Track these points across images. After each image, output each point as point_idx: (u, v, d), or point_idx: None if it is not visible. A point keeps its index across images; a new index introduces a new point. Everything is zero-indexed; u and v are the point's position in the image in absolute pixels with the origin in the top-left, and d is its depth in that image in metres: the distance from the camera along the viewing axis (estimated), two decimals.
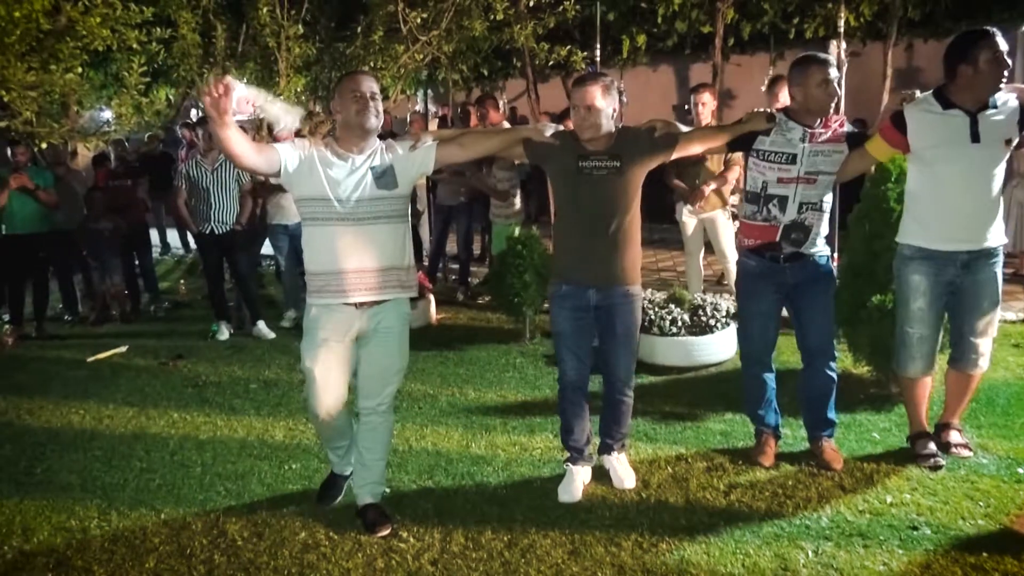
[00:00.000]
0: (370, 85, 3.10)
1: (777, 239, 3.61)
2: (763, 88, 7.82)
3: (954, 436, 3.87)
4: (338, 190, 3.09)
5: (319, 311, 3.19)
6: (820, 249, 3.68)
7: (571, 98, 3.41)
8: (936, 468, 3.68)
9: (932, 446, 3.78)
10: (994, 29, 3.44)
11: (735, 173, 5.99)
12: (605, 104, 3.32)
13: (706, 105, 6.15)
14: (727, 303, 5.50)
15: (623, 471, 3.70)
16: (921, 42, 11.59)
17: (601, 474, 3.74)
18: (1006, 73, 3.38)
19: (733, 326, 5.37)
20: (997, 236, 3.55)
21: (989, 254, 3.56)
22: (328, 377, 3.19)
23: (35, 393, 5.44)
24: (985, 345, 3.68)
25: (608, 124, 3.36)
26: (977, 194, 3.46)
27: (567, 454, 3.68)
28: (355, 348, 3.25)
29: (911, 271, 3.63)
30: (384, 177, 3.15)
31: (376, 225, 3.14)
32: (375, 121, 3.10)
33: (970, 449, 3.84)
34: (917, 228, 3.61)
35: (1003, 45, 3.37)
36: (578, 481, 3.60)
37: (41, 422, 4.91)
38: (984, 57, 3.35)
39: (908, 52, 11.75)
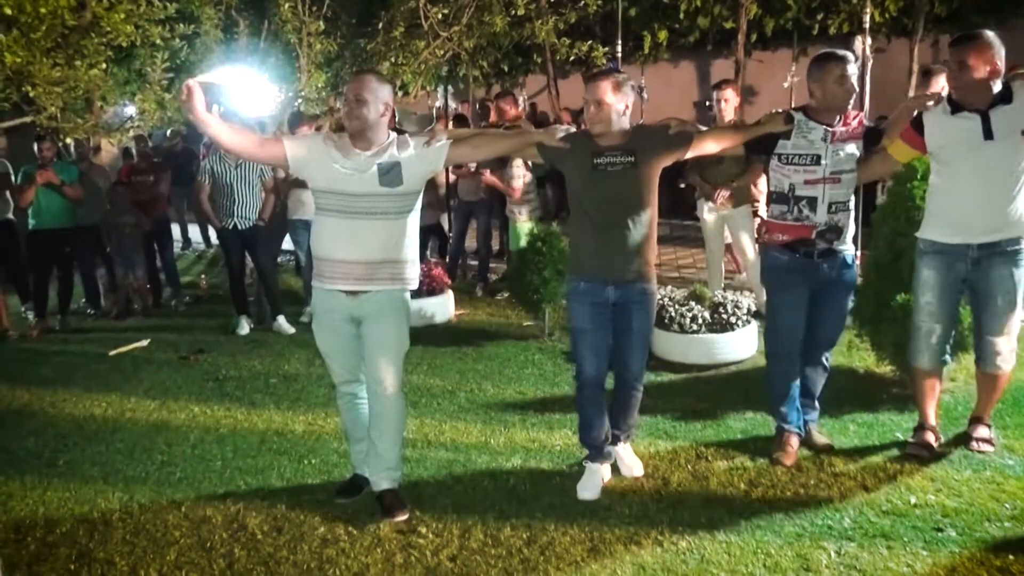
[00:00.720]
0: (358, 87, 3.17)
1: (812, 237, 3.62)
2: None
3: (980, 431, 3.84)
4: (340, 184, 3.20)
5: (317, 293, 3.41)
6: (848, 247, 3.70)
7: (584, 93, 3.41)
8: (920, 459, 3.71)
9: (926, 437, 3.79)
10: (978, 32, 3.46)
11: (758, 172, 5.93)
12: (615, 100, 3.31)
13: (728, 102, 6.10)
14: (748, 301, 5.46)
15: (631, 460, 3.75)
16: (947, 38, 11.41)
17: (612, 468, 3.73)
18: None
19: (754, 324, 5.33)
20: (1014, 228, 3.51)
21: (1004, 251, 3.53)
22: (331, 349, 3.44)
23: (58, 386, 5.50)
24: (1004, 344, 3.66)
25: (620, 121, 3.35)
26: (995, 188, 3.48)
27: (585, 452, 3.67)
28: (355, 328, 3.39)
29: (923, 265, 3.70)
30: (389, 174, 3.21)
31: (373, 220, 3.23)
32: (355, 124, 3.20)
33: (993, 445, 3.80)
34: (933, 222, 3.67)
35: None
36: (598, 478, 3.59)
37: (64, 414, 4.96)
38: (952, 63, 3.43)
39: (934, 48, 11.60)
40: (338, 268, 3.25)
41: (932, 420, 3.84)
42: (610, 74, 3.41)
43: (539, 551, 3.12)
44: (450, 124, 10.09)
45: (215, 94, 10.09)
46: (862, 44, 6.69)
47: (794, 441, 3.87)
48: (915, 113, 3.63)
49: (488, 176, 7.29)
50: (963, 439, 3.87)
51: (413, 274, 3.39)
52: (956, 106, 3.47)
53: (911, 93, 7.66)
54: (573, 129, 3.53)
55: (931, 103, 3.60)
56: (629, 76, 3.50)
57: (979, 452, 3.76)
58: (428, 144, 3.28)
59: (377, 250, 3.26)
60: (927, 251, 3.67)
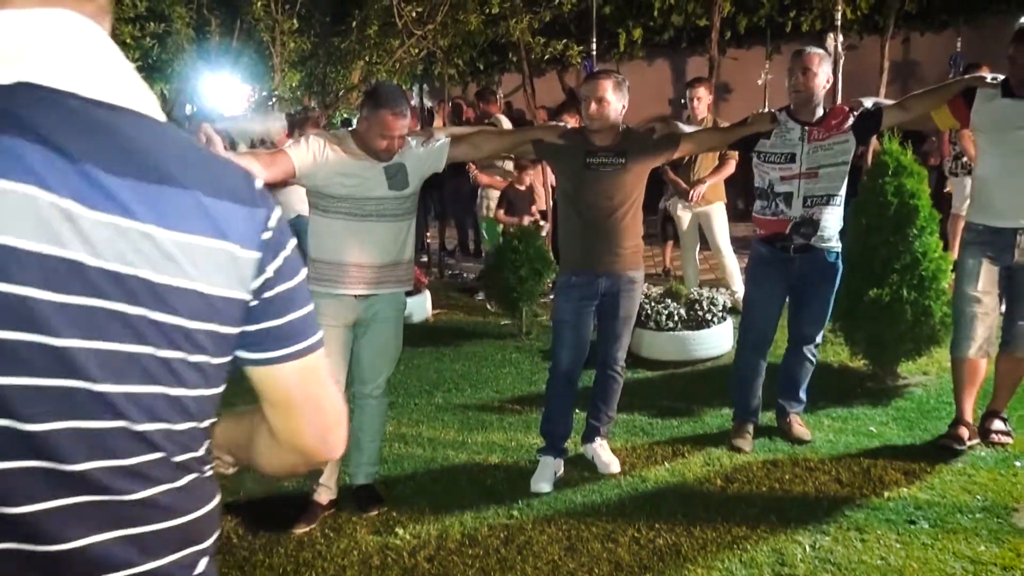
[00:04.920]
0: (401, 126, 3.12)
1: (787, 232, 3.67)
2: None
3: (996, 424, 3.85)
4: (349, 188, 3.16)
5: (318, 297, 3.22)
6: (831, 244, 3.74)
7: (582, 91, 3.54)
8: (947, 451, 3.70)
9: (960, 431, 3.75)
10: None
11: (731, 168, 5.99)
12: (615, 99, 3.44)
13: (702, 99, 6.15)
14: (723, 297, 5.49)
15: (607, 456, 3.77)
16: (918, 35, 11.57)
17: (588, 465, 3.76)
18: None
19: (730, 320, 5.36)
20: None
21: None
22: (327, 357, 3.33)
23: None
24: None
25: (617, 119, 3.48)
26: None
27: (543, 443, 3.71)
28: (351, 334, 3.33)
29: (968, 254, 3.73)
30: (396, 177, 3.22)
31: (381, 223, 3.22)
32: (392, 157, 3.17)
33: (1012, 437, 3.81)
34: (978, 206, 3.72)
35: None
36: (551, 471, 3.64)
37: None
38: (1018, 56, 3.50)
39: (905, 45, 11.73)
40: (349, 272, 3.20)
41: (969, 415, 3.80)
42: (611, 74, 3.57)
43: (516, 550, 3.12)
44: (438, 122, 10.05)
45: (187, 93, 10.01)
46: (834, 41, 6.73)
47: (750, 428, 3.98)
48: (969, 85, 3.70)
49: (484, 178, 7.25)
50: (934, 433, 3.92)
51: (411, 274, 3.45)
52: (1008, 91, 3.55)
53: (882, 90, 7.73)
54: (568, 126, 3.63)
55: (989, 78, 3.66)
56: (624, 78, 3.57)
57: (999, 445, 3.77)
58: (427, 144, 3.31)
59: (386, 253, 3.25)
60: (973, 240, 3.71)
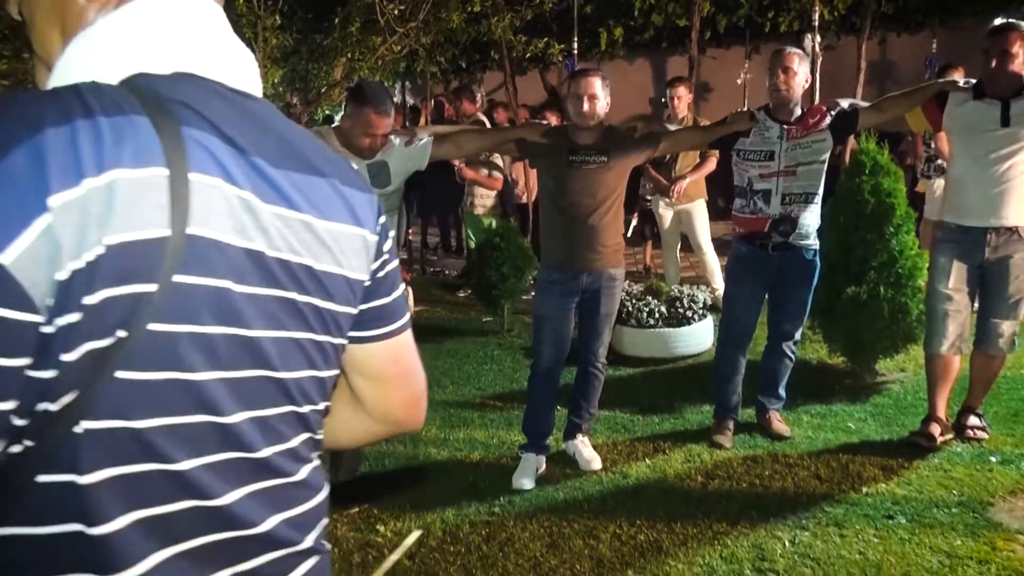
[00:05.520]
0: (385, 124, 3.14)
1: (766, 230, 3.70)
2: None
3: (972, 420, 3.90)
4: None
5: None
6: (809, 242, 3.78)
7: (570, 88, 3.56)
8: (918, 447, 3.76)
9: (931, 428, 3.79)
10: (1015, 22, 3.61)
11: (712, 165, 6.02)
12: (603, 95, 3.49)
13: (682, 99, 6.17)
14: (704, 295, 5.53)
15: (589, 454, 3.79)
16: (894, 36, 11.69)
17: (570, 462, 3.78)
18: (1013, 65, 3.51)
19: (710, 318, 5.39)
20: (1019, 215, 3.60)
21: (1022, 236, 3.62)
22: None
23: None
24: (1007, 328, 3.74)
25: (602, 116, 3.52)
26: (1006, 173, 3.56)
27: (524, 440, 3.73)
28: None
29: (940, 252, 3.78)
30: (379, 176, 3.25)
31: None
32: (375, 155, 3.20)
33: (987, 433, 3.87)
34: (951, 205, 3.76)
35: (1014, 39, 3.49)
36: (533, 467, 3.66)
37: None
38: (992, 49, 3.53)
39: (882, 46, 11.85)
40: None
41: (941, 411, 3.84)
42: (597, 71, 3.61)
43: (498, 547, 3.12)
44: (425, 120, 10.02)
45: None
46: (812, 41, 6.81)
47: (731, 424, 4.02)
48: (941, 89, 3.74)
49: (469, 172, 7.23)
50: (911, 429, 3.96)
51: None
52: (980, 92, 3.59)
53: (859, 90, 7.82)
54: (550, 124, 3.67)
55: (962, 82, 3.71)
56: (606, 76, 3.60)
57: (975, 440, 3.82)
58: (410, 143, 3.33)
59: None
60: (945, 238, 3.76)
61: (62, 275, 0.67)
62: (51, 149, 0.67)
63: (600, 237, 3.52)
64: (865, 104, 3.82)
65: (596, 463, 3.75)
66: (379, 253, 0.95)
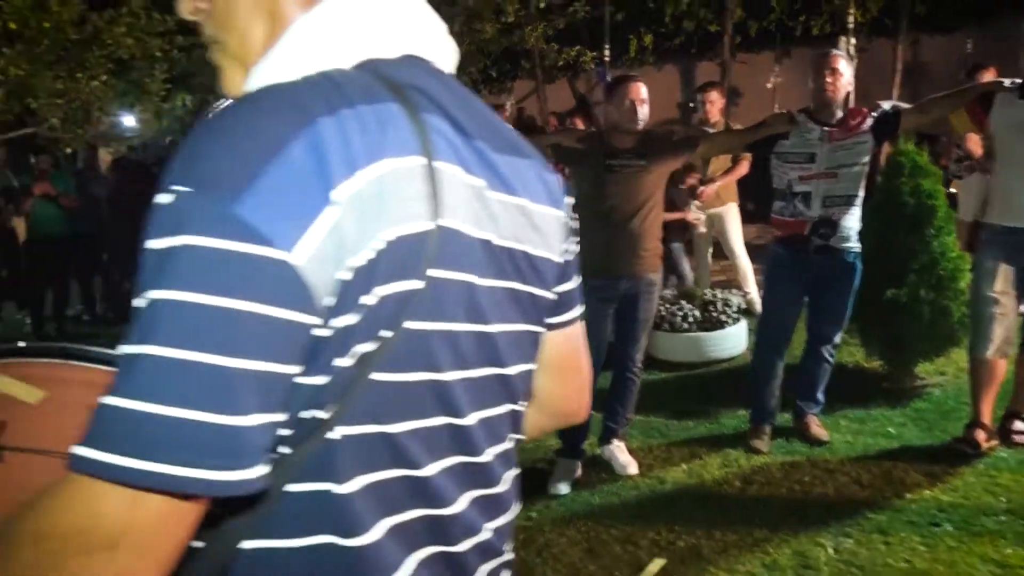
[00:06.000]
0: None
1: (806, 233, 3.65)
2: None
3: (1017, 425, 3.81)
4: None
5: None
6: (850, 244, 3.71)
7: (616, 94, 3.58)
8: (962, 454, 3.66)
9: (975, 435, 3.69)
10: None
11: (744, 168, 5.96)
12: (647, 101, 3.55)
13: (715, 103, 6.13)
14: (738, 298, 5.47)
15: (625, 459, 3.76)
16: (928, 37, 11.54)
17: (606, 467, 3.75)
18: None
19: (744, 321, 5.33)
20: None
21: None
22: None
23: None
24: None
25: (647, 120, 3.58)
26: None
27: (560, 445, 3.71)
28: None
29: (986, 256, 3.70)
30: None
31: None
32: None
33: None
34: (996, 208, 3.69)
35: None
36: (572, 473, 3.64)
37: None
38: None
39: (915, 47, 11.70)
40: None
41: (987, 417, 3.74)
42: (639, 77, 3.67)
43: (536, 552, 3.09)
44: None
45: (212, 104, 10.09)
46: (845, 44, 6.73)
47: (768, 429, 3.96)
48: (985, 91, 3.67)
49: None
50: (953, 434, 3.87)
51: None
52: None
53: (895, 92, 7.70)
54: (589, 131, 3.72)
55: (1007, 83, 3.63)
56: None
57: (1020, 446, 3.73)
58: None
59: None
60: (991, 240, 3.68)
61: (344, 274, 0.63)
62: (326, 141, 0.62)
63: (640, 241, 3.51)
64: (907, 106, 3.75)
65: (632, 468, 3.71)
66: (568, 236, 0.91)
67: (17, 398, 0.88)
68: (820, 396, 4.01)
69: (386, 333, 0.67)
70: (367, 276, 0.64)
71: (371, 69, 0.71)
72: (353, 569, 0.70)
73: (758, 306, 6.05)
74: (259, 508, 0.66)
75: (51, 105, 6.38)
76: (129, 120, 9.19)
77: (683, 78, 14.07)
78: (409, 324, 0.68)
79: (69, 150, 7.71)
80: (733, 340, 5.30)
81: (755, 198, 8.73)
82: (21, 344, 0.96)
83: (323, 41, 0.72)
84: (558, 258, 0.88)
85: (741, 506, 3.37)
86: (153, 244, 0.59)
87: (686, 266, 6.35)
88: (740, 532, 3.15)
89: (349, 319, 0.64)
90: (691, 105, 11.44)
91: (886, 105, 3.73)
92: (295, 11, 0.74)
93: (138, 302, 0.60)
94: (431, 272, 0.69)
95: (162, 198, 0.60)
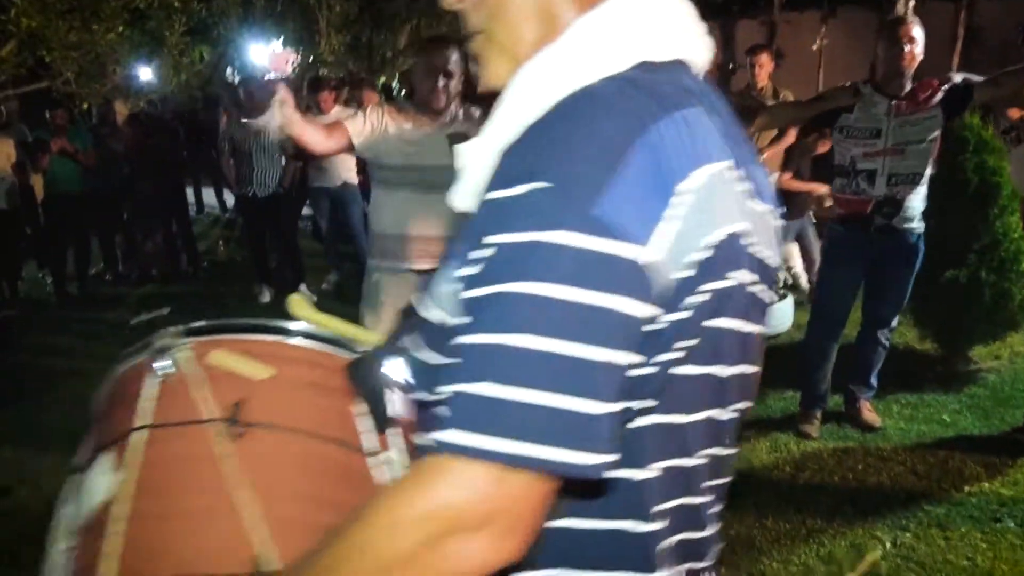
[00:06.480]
0: (444, 60, 2.98)
1: (868, 212, 3.49)
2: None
3: None
4: (410, 157, 3.02)
5: (380, 275, 3.15)
6: (914, 224, 3.54)
7: None
8: (1017, 445, 3.54)
9: None
10: None
11: (791, 137, 5.76)
12: None
13: (764, 67, 5.88)
14: (783, 274, 5.33)
15: None
16: (985, 0, 11.09)
17: None
18: None
19: (791, 297, 5.20)
20: None
21: None
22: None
23: (82, 355, 5.42)
24: None
25: None
26: None
27: None
28: None
29: None
30: (459, 145, 3.07)
31: (444, 193, 3.05)
32: (443, 101, 3.02)
33: None
34: None
35: None
36: None
37: (90, 385, 4.87)
38: None
39: (969, 10, 11.26)
40: (415, 245, 3.06)
41: None
42: None
43: None
44: None
45: (230, 57, 9.91)
46: (904, 6, 6.45)
47: (818, 413, 3.85)
48: None
49: None
50: (1011, 423, 3.76)
51: None
52: None
53: (955, 59, 7.41)
54: None
55: None
56: None
57: None
58: None
59: (447, 224, 3.14)
60: None
61: (682, 272, 0.67)
62: (661, 145, 0.66)
63: None
64: (980, 79, 3.54)
65: None
66: (780, 242, 0.91)
67: (243, 376, 0.91)
68: (873, 380, 3.89)
69: (706, 327, 0.72)
70: (701, 274, 0.69)
71: (664, 72, 0.74)
72: (640, 553, 0.75)
73: (803, 280, 5.92)
74: (588, 492, 0.71)
75: (65, 58, 6.24)
76: (146, 73, 9.04)
77: (724, 38, 13.69)
78: (710, 321, 0.72)
79: (86, 105, 7.56)
80: (779, 316, 5.14)
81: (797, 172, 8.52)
82: (218, 322, 0.99)
83: (604, 43, 0.74)
84: (775, 264, 0.89)
85: (793, 494, 3.29)
86: (510, 237, 0.63)
87: None
88: (793, 521, 3.07)
89: (682, 314, 0.69)
90: (730, 67, 11.12)
91: (957, 78, 3.52)
92: (570, 12, 0.77)
93: (485, 291, 0.64)
94: (731, 273, 0.73)
95: (512, 191, 0.65)
